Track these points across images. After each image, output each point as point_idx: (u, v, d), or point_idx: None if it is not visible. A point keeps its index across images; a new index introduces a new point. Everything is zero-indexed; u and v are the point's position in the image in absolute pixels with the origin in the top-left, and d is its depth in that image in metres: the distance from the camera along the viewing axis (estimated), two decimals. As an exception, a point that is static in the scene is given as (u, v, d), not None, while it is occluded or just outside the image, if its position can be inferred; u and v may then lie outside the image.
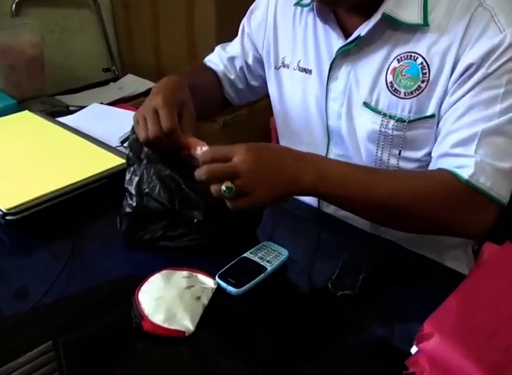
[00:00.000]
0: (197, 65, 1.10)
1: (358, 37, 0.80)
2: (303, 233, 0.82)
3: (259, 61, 1.03)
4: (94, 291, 0.70)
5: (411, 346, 0.55)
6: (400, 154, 0.83)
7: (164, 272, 0.69)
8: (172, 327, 0.61)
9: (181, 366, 0.60)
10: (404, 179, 0.77)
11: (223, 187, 0.66)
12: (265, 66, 1.01)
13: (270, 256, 0.72)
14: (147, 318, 0.62)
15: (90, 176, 0.88)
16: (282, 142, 1.04)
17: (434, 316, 0.54)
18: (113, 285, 0.71)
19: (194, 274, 0.69)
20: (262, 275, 0.69)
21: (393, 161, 0.84)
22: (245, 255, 0.72)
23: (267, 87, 1.05)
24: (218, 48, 1.09)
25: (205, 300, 0.66)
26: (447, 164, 0.76)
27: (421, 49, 0.77)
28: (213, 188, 0.68)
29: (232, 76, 1.06)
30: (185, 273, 0.69)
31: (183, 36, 1.89)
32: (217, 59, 1.07)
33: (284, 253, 0.73)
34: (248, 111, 1.99)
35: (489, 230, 0.75)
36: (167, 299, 0.64)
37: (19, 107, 1.25)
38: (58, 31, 1.89)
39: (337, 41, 0.84)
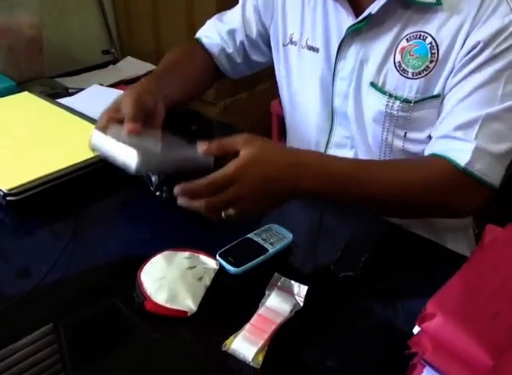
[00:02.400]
0: (186, 48, 1.05)
1: (369, 15, 0.78)
2: (305, 215, 0.82)
3: (263, 36, 1.00)
4: (95, 272, 0.70)
5: (413, 327, 0.55)
6: (405, 135, 0.82)
7: (166, 253, 0.69)
8: (175, 307, 0.61)
9: (183, 345, 0.60)
10: (401, 170, 0.77)
11: (223, 214, 0.66)
12: (272, 43, 0.98)
13: (274, 238, 0.72)
14: (150, 298, 0.62)
15: (91, 158, 0.87)
16: (289, 123, 1.04)
17: (437, 296, 0.54)
18: (114, 266, 0.71)
19: (196, 255, 0.69)
20: (263, 256, 0.69)
21: (398, 143, 0.83)
22: (249, 235, 0.72)
23: (268, 62, 1.03)
24: (214, 20, 1.05)
25: (207, 281, 0.65)
26: (446, 146, 0.75)
27: (431, 29, 0.76)
28: (213, 217, 0.66)
29: (231, 50, 1.02)
30: (186, 253, 0.69)
31: (182, 18, 1.87)
32: (213, 33, 1.03)
33: (288, 236, 0.73)
34: (249, 94, 1.98)
35: (488, 212, 0.78)
36: (169, 279, 0.64)
37: (17, 89, 1.24)
38: (56, 12, 1.86)
39: (347, 20, 0.82)
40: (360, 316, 0.64)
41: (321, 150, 0.95)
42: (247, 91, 1.98)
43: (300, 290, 0.64)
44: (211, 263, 0.68)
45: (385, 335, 0.61)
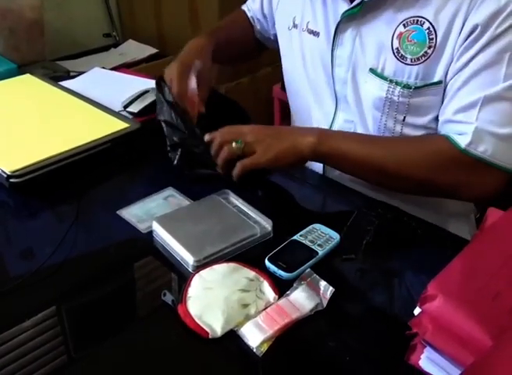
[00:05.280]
0: (234, 14, 1.13)
1: (362, 1, 0.78)
2: (308, 198, 0.82)
3: (269, 17, 1.03)
4: (98, 255, 0.71)
5: (415, 308, 0.55)
6: (404, 120, 0.82)
7: (232, 264, 0.65)
8: (200, 324, 0.58)
9: (187, 330, 0.59)
10: (399, 143, 0.80)
11: (233, 143, 0.78)
12: (277, 27, 0.99)
13: (321, 240, 0.70)
14: (185, 304, 0.60)
15: (93, 140, 0.87)
16: (293, 108, 1.03)
17: (438, 277, 0.55)
18: (117, 248, 0.72)
19: (261, 279, 0.64)
20: (313, 259, 0.67)
21: (397, 127, 0.83)
22: (295, 237, 0.70)
23: (274, 45, 1.04)
24: None
25: (252, 310, 0.60)
26: (448, 130, 0.76)
27: (428, 13, 0.75)
28: (225, 148, 0.79)
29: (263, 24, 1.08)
30: (252, 274, 0.65)
31: (184, 1, 1.86)
32: (252, 4, 1.09)
33: (335, 237, 0.71)
34: (250, 79, 1.97)
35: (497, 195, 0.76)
36: (214, 294, 0.61)
37: (19, 72, 1.23)
38: (57, -5, 1.85)
39: (342, 4, 0.82)
40: (362, 297, 0.65)
41: None
42: (249, 75, 1.97)
43: (326, 290, 0.62)
44: (269, 294, 0.62)
45: (387, 316, 0.62)
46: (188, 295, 0.61)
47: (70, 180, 0.84)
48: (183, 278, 0.64)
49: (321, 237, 0.70)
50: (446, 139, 0.75)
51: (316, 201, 0.82)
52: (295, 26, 0.92)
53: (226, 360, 0.57)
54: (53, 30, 1.71)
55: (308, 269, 0.65)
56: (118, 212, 0.76)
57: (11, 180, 0.79)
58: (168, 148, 0.85)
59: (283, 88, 1.99)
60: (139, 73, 1.30)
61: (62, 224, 0.75)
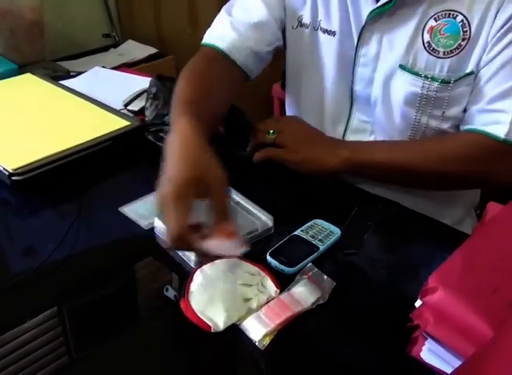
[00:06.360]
0: (201, 68, 0.86)
1: None
2: (308, 193, 0.83)
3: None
4: (100, 252, 0.71)
5: (416, 300, 0.56)
6: (443, 114, 0.81)
7: (234, 259, 0.65)
8: (203, 318, 0.58)
9: (188, 328, 0.59)
10: (430, 144, 0.81)
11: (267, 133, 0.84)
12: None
13: (322, 235, 0.70)
14: (188, 299, 0.60)
15: (94, 138, 0.88)
16: (296, 111, 1.00)
17: (439, 270, 0.55)
18: (119, 246, 0.72)
19: (262, 274, 0.64)
20: (315, 254, 0.67)
21: (434, 122, 0.82)
22: (296, 233, 0.70)
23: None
24: (224, 17, 0.90)
25: (254, 304, 0.60)
26: (483, 120, 0.77)
27: (461, 7, 0.74)
28: (260, 134, 0.86)
29: (251, 43, 0.87)
30: (254, 269, 0.65)
31: (183, 1, 1.86)
32: (228, 31, 0.87)
33: (336, 232, 0.71)
34: (250, 78, 1.97)
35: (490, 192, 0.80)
36: (216, 288, 0.62)
37: (19, 72, 1.23)
38: (56, -4, 1.86)
39: (366, 3, 0.79)
40: (363, 290, 0.65)
41: (338, 137, 0.92)
42: (249, 74, 1.97)
43: (328, 284, 0.63)
44: (270, 288, 0.63)
45: (388, 309, 0.62)
46: (190, 290, 0.62)
47: (72, 177, 0.84)
48: (185, 273, 0.65)
49: (322, 232, 0.70)
50: (480, 133, 0.76)
51: (317, 197, 0.82)
52: (302, 25, 0.89)
53: (229, 354, 0.58)
54: (53, 30, 1.71)
55: (310, 264, 0.65)
56: (120, 209, 0.77)
57: (13, 178, 0.79)
58: None
59: (283, 87, 1.99)
60: (139, 73, 1.31)
61: (64, 221, 0.75)
